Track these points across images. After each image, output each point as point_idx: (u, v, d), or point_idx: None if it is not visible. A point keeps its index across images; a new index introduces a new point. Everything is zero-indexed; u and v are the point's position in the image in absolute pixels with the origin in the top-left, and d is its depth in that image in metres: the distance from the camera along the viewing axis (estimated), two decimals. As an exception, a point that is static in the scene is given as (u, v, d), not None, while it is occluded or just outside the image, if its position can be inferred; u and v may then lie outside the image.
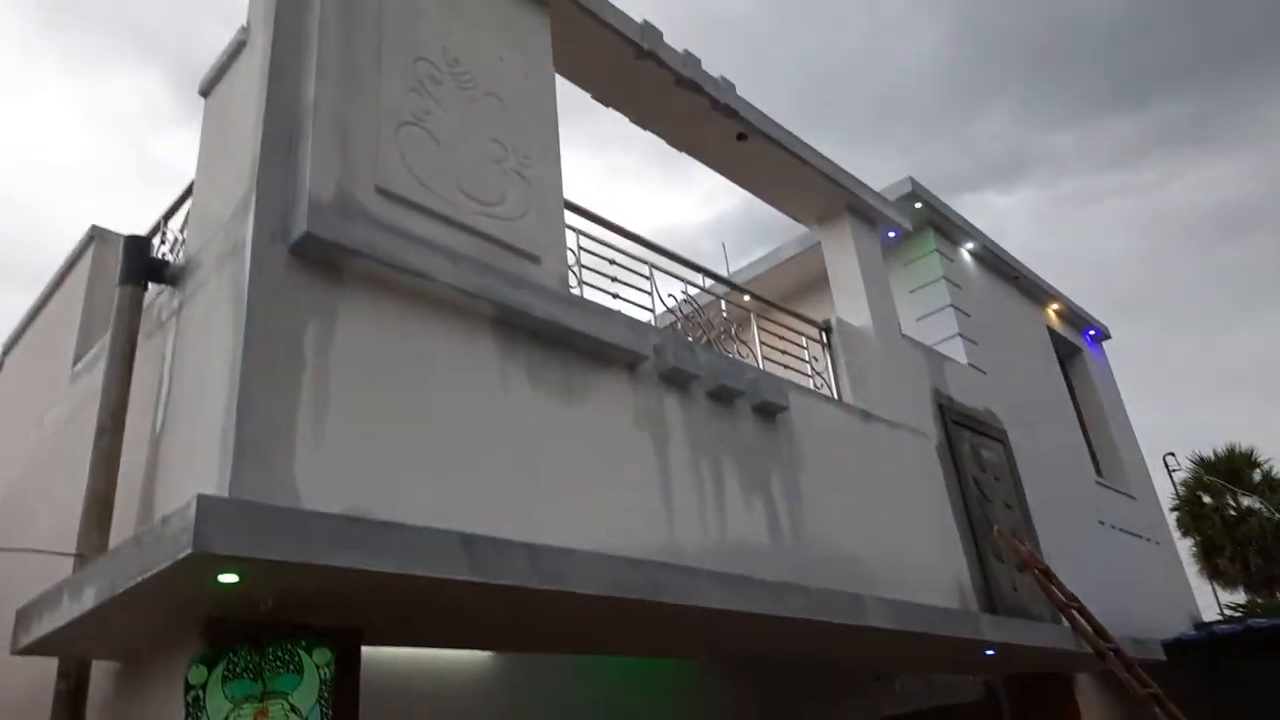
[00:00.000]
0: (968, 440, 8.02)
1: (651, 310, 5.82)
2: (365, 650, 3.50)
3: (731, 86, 6.78)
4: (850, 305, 7.79)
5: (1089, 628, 6.22)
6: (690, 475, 4.99)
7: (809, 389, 6.48)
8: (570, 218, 5.28)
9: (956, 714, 8.17)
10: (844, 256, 7.96)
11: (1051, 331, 11.35)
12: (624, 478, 4.65)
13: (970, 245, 9.98)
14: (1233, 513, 27.75)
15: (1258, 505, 26.97)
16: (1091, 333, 12.33)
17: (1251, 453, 27.66)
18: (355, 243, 3.76)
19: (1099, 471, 10.80)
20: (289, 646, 3.05)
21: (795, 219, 8.27)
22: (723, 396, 5.45)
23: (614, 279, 5.67)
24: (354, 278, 3.84)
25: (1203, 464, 28.42)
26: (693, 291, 6.37)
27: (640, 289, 5.81)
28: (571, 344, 4.69)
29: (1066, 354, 11.83)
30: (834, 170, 7.71)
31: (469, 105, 4.72)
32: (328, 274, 3.75)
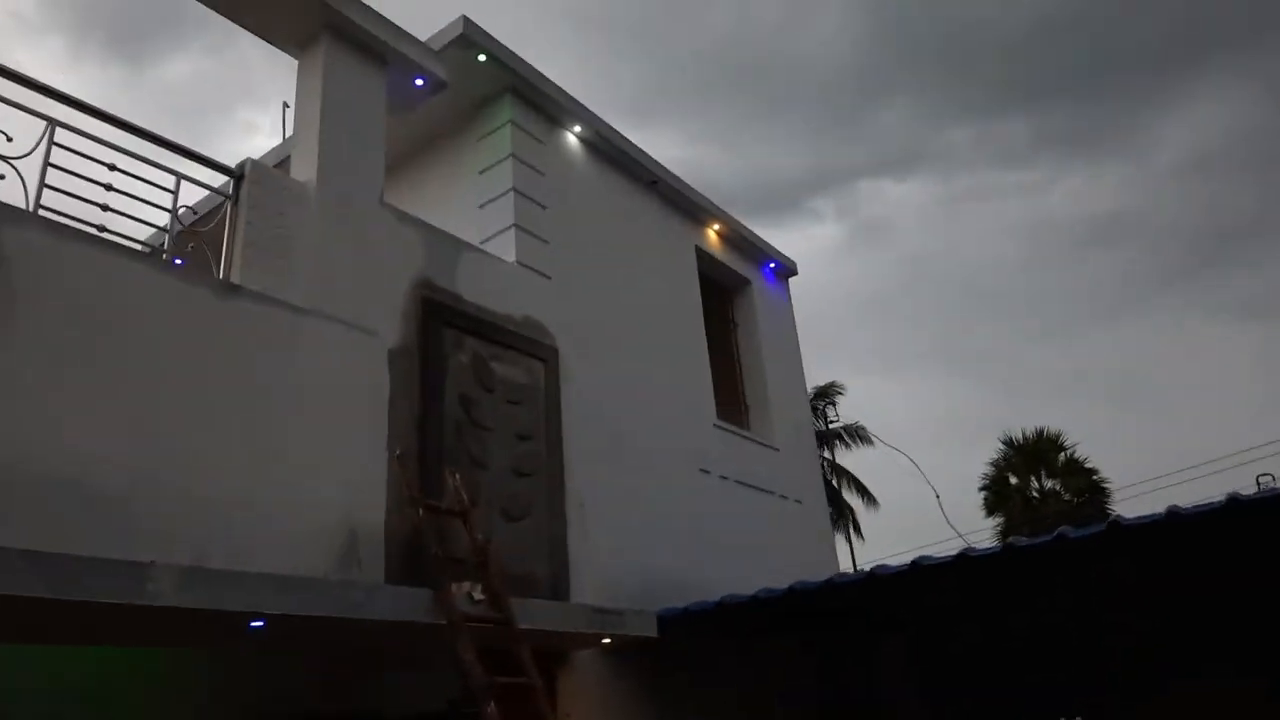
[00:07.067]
0: (472, 349, 6.15)
1: None
2: None
3: None
4: (309, 156, 5.73)
5: (460, 590, 4.44)
6: None
7: (63, 227, 4.25)
8: None
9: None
10: (311, 91, 5.88)
11: (710, 256, 9.75)
12: None
13: (578, 129, 8.12)
14: (1035, 495, 28.06)
15: (1058, 488, 27.28)
16: (772, 265, 10.85)
17: (1059, 436, 27.96)
18: None
19: (735, 419, 9.30)
20: None
21: (266, 40, 6.09)
22: None
23: None
24: None
25: (1011, 445, 28.64)
26: None
27: None
28: None
29: (732, 285, 10.29)
30: (291, -35, 5.58)
31: None
32: None
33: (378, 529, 5.02)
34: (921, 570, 4.66)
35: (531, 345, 6.67)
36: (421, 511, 4.68)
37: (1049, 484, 27.96)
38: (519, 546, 5.88)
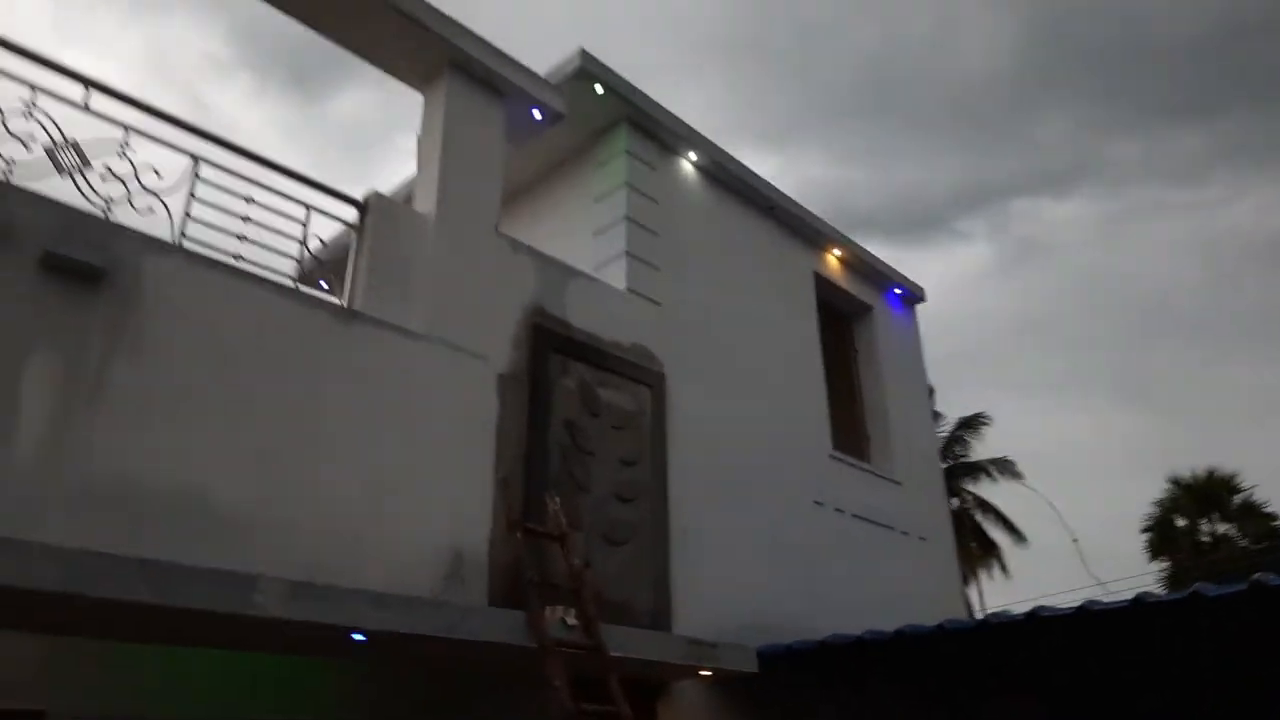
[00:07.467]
0: (579, 375, 6.23)
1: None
2: None
3: None
4: (429, 188, 6.00)
5: (554, 614, 4.45)
6: None
7: (198, 256, 4.57)
8: None
9: None
10: (434, 125, 6.17)
11: (830, 283, 9.52)
12: None
13: (694, 156, 8.14)
14: (1207, 539, 25.87)
15: (1233, 533, 25.04)
16: (897, 291, 10.48)
17: (1232, 477, 25.73)
18: None
19: (854, 450, 8.98)
20: None
21: (394, 76, 6.44)
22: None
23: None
24: None
25: (1179, 485, 26.53)
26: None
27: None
28: None
29: (853, 311, 10.00)
30: (417, 7, 5.89)
31: None
32: None
33: (482, 551, 5.13)
34: (1039, 621, 4.32)
35: (639, 371, 6.69)
36: (520, 534, 4.76)
37: (1222, 528, 25.76)
38: (621, 573, 5.88)
